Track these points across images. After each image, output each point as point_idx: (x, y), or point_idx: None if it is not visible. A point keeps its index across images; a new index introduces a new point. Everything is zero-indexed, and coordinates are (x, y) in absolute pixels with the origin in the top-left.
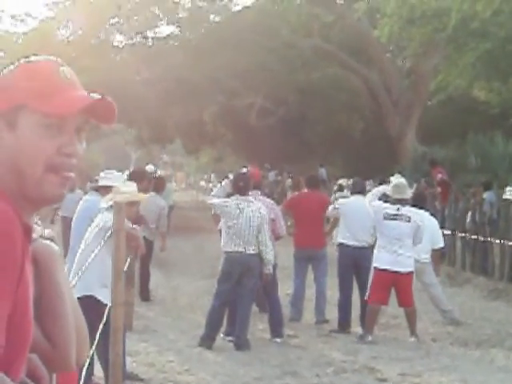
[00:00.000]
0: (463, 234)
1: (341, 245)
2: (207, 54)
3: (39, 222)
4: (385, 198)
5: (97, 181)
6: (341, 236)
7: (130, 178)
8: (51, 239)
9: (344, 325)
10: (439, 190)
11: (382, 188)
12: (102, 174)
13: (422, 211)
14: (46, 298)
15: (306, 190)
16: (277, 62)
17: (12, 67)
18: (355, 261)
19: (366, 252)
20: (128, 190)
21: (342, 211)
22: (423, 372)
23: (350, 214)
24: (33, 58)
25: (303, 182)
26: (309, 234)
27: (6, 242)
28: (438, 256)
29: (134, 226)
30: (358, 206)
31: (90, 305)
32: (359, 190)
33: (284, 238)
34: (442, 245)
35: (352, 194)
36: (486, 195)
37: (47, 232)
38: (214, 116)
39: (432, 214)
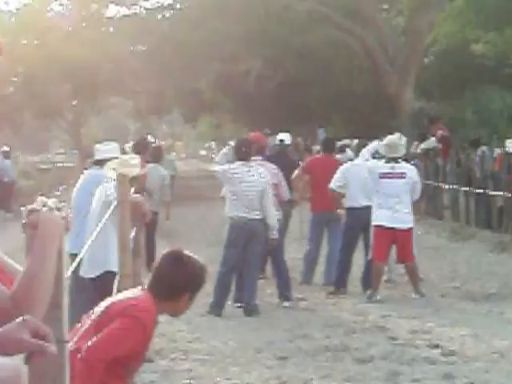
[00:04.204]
0: (466, 189)
1: (351, 209)
2: (202, 21)
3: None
4: (378, 155)
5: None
6: (349, 200)
7: (134, 149)
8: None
9: (339, 284)
10: (440, 146)
11: (374, 144)
12: (98, 146)
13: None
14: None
15: (320, 154)
16: (273, 26)
17: None
18: (364, 222)
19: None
20: (135, 162)
21: (346, 177)
22: (433, 328)
23: (355, 177)
24: None
25: (303, 145)
26: (326, 198)
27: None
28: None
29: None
30: (361, 168)
31: (111, 279)
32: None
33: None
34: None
35: (357, 156)
36: (479, 152)
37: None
38: (212, 84)
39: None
